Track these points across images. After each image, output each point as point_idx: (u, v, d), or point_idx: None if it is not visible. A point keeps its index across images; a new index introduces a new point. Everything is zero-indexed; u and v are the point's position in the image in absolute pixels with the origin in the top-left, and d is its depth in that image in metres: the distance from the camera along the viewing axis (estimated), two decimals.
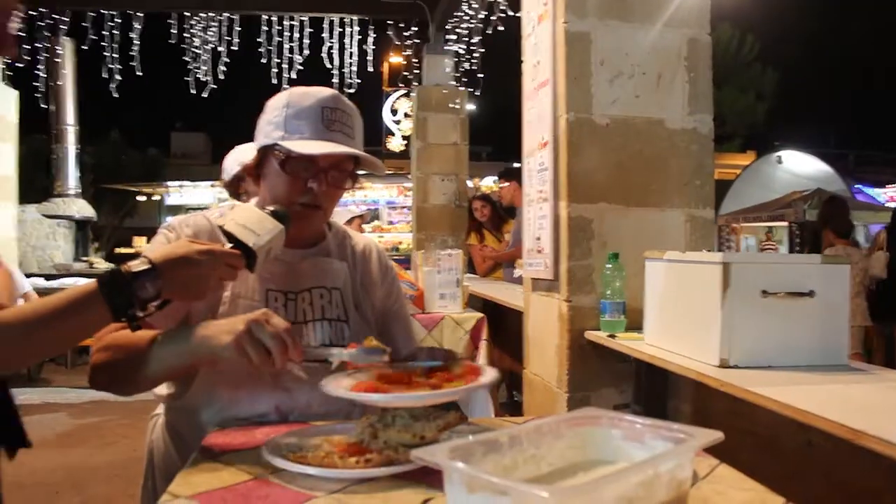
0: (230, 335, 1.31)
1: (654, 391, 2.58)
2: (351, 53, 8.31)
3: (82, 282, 1.26)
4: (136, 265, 1.26)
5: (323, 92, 1.65)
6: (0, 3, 1.13)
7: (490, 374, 1.40)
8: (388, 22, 8.25)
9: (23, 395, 6.44)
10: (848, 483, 1.67)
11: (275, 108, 1.65)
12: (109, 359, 1.45)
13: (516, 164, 8.06)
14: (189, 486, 1.12)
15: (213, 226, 1.67)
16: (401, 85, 12.54)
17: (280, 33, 8.11)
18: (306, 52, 8.16)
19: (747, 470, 1.17)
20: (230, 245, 1.40)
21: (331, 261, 1.75)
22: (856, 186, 18.69)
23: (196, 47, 8.16)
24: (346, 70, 8.38)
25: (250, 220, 1.44)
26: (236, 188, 2.97)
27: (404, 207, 16.22)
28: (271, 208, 1.50)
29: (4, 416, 1.32)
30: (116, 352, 1.44)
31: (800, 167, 20.15)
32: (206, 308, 1.59)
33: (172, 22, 8.05)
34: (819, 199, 12.29)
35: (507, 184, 6.32)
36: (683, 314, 2.19)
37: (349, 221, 7.00)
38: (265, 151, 1.66)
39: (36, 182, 16.99)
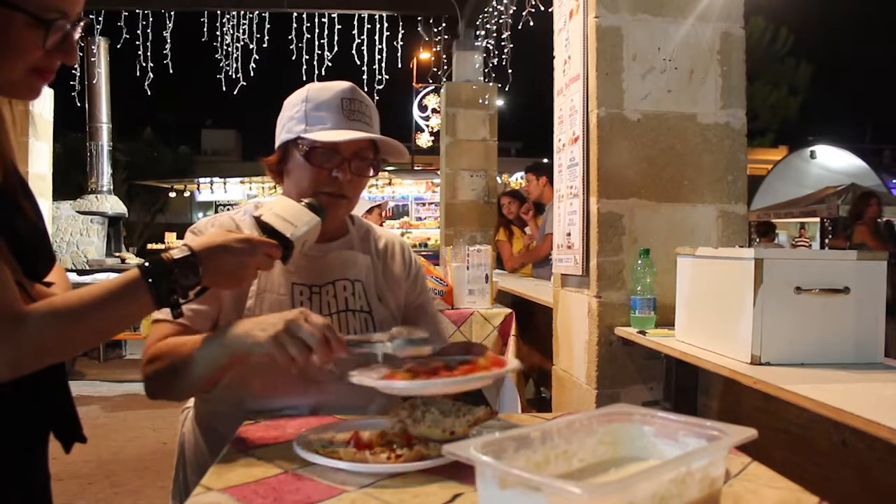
0: (266, 332, 1.31)
1: (685, 388, 2.56)
2: (380, 50, 8.31)
3: (115, 276, 1.26)
4: (176, 252, 1.28)
5: (340, 85, 1.69)
6: (66, 9, 1.15)
7: (512, 363, 1.40)
8: (418, 18, 8.24)
9: None
10: (883, 483, 1.64)
11: (294, 104, 1.69)
12: (159, 368, 1.48)
13: (545, 160, 8.04)
14: (220, 480, 1.13)
15: (238, 225, 1.69)
16: (430, 81, 12.53)
17: (310, 30, 8.14)
18: (336, 49, 8.18)
19: (779, 468, 1.16)
20: (266, 235, 1.41)
21: (354, 253, 1.77)
22: (892, 182, 18.40)
23: (227, 45, 8.22)
24: (375, 66, 8.40)
25: (288, 211, 1.45)
26: None
27: (433, 203, 16.22)
28: (307, 201, 1.51)
29: (62, 409, 1.34)
30: (163, 360, 1.48)
31: (833, 162, 19.88)
32: (232, 303, 1.61)
33: (204, 20, 8.12)
34: (853, 194, 12.12)
35: (533, 178, 6.28)
36: (715, 310, 2.17)
37: (369, 212, 7.05)
38: (287, 147, 1.68)
39: (70, 179, 17.30)
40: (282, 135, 1.69)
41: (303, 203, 1.50)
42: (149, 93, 8.27)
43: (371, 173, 1.71)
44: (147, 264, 1.25)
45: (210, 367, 1.43)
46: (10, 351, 1.11)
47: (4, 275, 1.11)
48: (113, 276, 1.28)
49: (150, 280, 1.23)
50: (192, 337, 1.47)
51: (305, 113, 1.64)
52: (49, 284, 1.31)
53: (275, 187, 16.02)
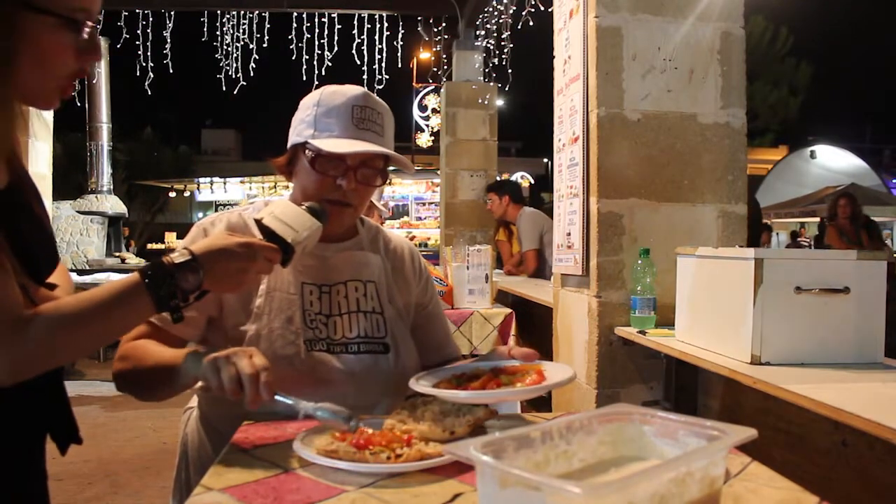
0: (210, 358, 1.32)
1: (685, 388, 2.56)
2: (380, 50, 8.30)
3: (115, 277, 1.26)
4: (177, 257, 1.27)
5: (353, 90, 1.66)
6: (90, 7, 1.14)
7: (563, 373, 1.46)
8: (418, 18, 8.24)
9: None
10: (883, 483, 1.64)
11: (306, 106, 1.67)
12: (122, 370, 1.50)
13: (504, 176, 8.00)
14: (221, 480, 1.13)
15: (245, 223, 1.68)
16: (430, 81, 12.51)
17: (310, 30, 8.14)
18: (336, 48, 8.17)
19: (779, 468, 1.16)
20: (266, 239, 1.41)
21: (365, 254, 1.77)
22: (892, 182, 18.41)
23: (227, 45, 8.22)
24: (375, 66, 8.39)
25: (289, 215, 1.45)
26: None
27: (433, 203, 16.19)
28: (308, 204, 1.50)
29: (59, 410, 1.33)
30: (127, 363, 1.49)
31: (833, 162, 19.89)
32: (238, 303, 1.61)
33: (204, 20, 8.12)
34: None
35: (495, 197, 6.24)
36: (715, 310, 2.17)
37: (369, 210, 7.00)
38: (296, 149, 1.67)
39: (70, 179, 17.31)
40: (292, 136, 1.68)
41: (304, 207, 1.49)
42: (149, 93, 8.27)
43: (378, 182, 1.69)
44: (148, 268, 1.25)
45: (179, 386, 1.44)
46: (12, 356, 1.10)
47: (7, 279, 1.11)
48: (113, 276, 1.28)
49: (150, 284, 1.23)
50: (158, 349, 1.48)
51: (315, 118, 1.63)
52: (53, 286, 1.30)
53: (274, 187, 16.03)
